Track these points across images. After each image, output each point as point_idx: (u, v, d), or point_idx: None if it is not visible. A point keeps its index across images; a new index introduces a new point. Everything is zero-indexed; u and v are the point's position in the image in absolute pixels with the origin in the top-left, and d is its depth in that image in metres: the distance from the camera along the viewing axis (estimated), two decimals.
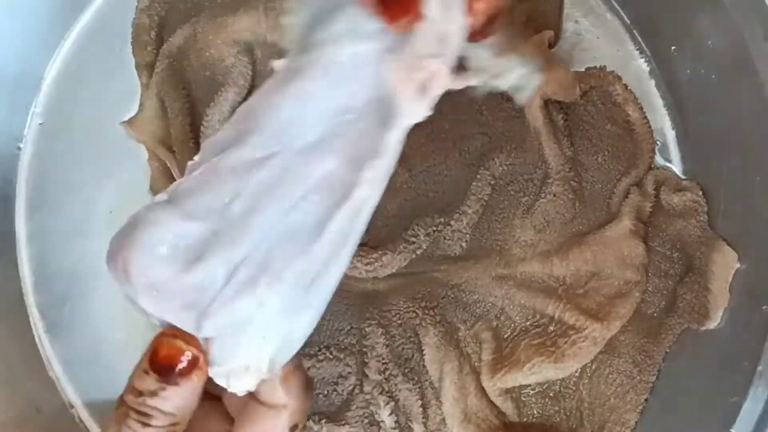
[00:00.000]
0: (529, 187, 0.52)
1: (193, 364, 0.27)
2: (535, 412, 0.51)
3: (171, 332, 0.27)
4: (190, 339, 0.27)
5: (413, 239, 0.51)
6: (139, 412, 0.27)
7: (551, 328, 0.50)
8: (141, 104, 0.54)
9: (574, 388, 0.51)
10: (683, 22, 0.50)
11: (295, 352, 0.30)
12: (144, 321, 0.29)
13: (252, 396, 0.30)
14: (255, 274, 0.28)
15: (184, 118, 0.52)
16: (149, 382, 0.27)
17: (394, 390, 0.50)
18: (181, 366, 0.27)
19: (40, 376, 0.53)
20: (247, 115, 0.30)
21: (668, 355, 0.51)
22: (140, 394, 0.27)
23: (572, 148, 0.52)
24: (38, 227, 0.55)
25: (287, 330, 0.29)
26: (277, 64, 0.31)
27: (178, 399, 0.27)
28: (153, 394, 0.27)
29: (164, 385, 0.27)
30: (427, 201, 0.52)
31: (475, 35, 0.29)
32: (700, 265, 0.50)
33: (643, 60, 0.54)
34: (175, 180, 0.53)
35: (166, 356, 0.27)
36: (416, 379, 0.50)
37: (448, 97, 0.52)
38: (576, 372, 0.51)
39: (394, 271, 0.51)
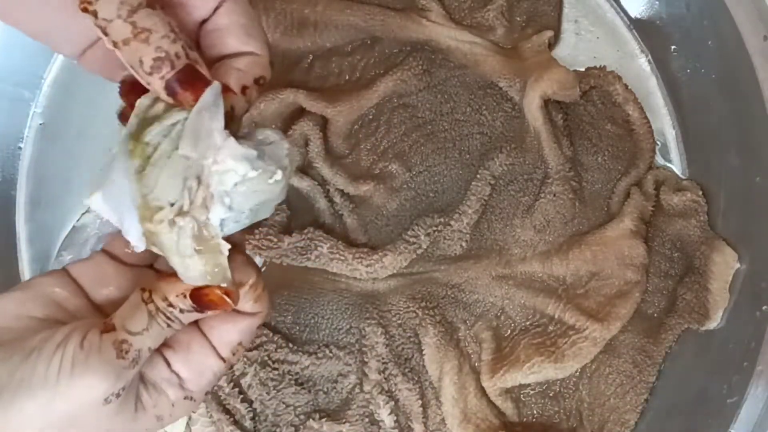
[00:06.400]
0: (529, 187, 0.52)
1: (223, 308, 0.32)
2: (535, 412, 0.51)
3: (223, 290, 0.31)
4: (233, 295, 0.32)
5: (413, 239, 0.51)
6: (168, 318, 0.32)
7: (551, 328, 0.50)
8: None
9: (573, 388, 0.51)
10: (683, 22, 0.50)
11: None
12: None
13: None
14: None
15: None
16: (183, 303, 0.32)
17: (393, 390, 0.50)
18: (217, 308, 0.32)
19: None
20: None
21: (668, 355, 0.51)
22: (171, 305, 0.32)
23: (572, 148, 0.52)
24: (38, 227, 0.55)
25: None
26: None
27: (196, 317, 0.33)
28: (182, 311, 0.32)
29: (193, 311, 0.32)
30: (427, 201, 0.52)
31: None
32: (700, 265, 0.50)
33: (643, 60, 0.54)
34: None
35: (211, 301, 0.31)
36: (416, 378, 0.50)
37: (448, 96, 0.53)
38: (576, 372, 0.51)
39: (394, 271, 0.51)
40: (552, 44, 0.54)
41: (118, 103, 0.54)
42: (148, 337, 0.31)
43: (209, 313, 0.32)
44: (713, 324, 0.49)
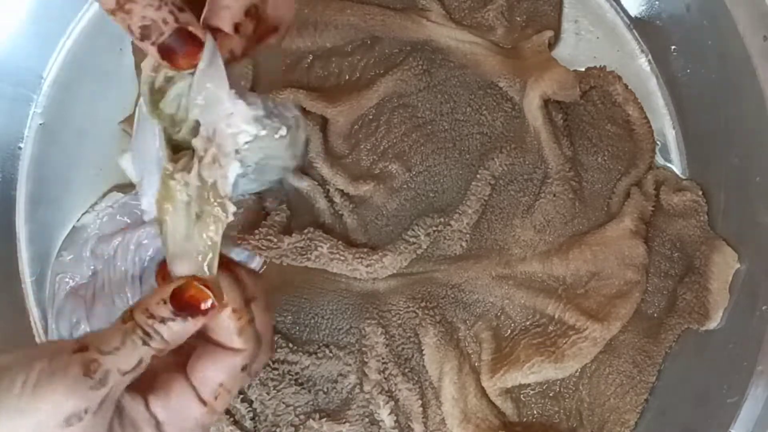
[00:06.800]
0: (529, 187, 0.52)
1: (207, 312, 0.31)
2: (535, 412, 0.51)
3: (200, 280, 0.31)
4: (215, 290, 0.31)
5: (413, 239, 0.51)
6: (144, 331, 0.30)
7: (551, 328, 0.50)
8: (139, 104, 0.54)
9: (574, 388, 0.51)
10: (683, 22, 0.50)
11: None
12: None
13: (207, 338, 0.33)
14: None
15: None
16: (163, 311, 0.31)
17: (393, 390, 0.50)
18: (197, 309, 0.31)
19: None
20: None
21: (668, 355, 0.51)
22: (151, 316, 0.31)
23: (572, 148, 0.52)
24: (39, 227, 0.55)
25: None
26: None
27: (179, 331, 0.31)
28: (162, 321, 0.31)
29: (175, 318, 0.31)
30: (427, 201, 0.52)
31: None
32: (700, 265, 0.50)
33: (643, 60, 0.54)
34: None
35: (191, 297, 0.31)
36: (416, 379, 0.50)
37: (448, 96, 0.53)
38: (576, 372, 0.51)
39: (394, 271, 0.51)
40: (552, 44, 0.54)
41: (117, 103, 0.54)
42: (120, 357, 0.30)
43: (190, 321, 0.31)
44: (713, 324, 0.49)
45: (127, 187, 0.54)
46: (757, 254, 0.48)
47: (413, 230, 0.51)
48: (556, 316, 0.50)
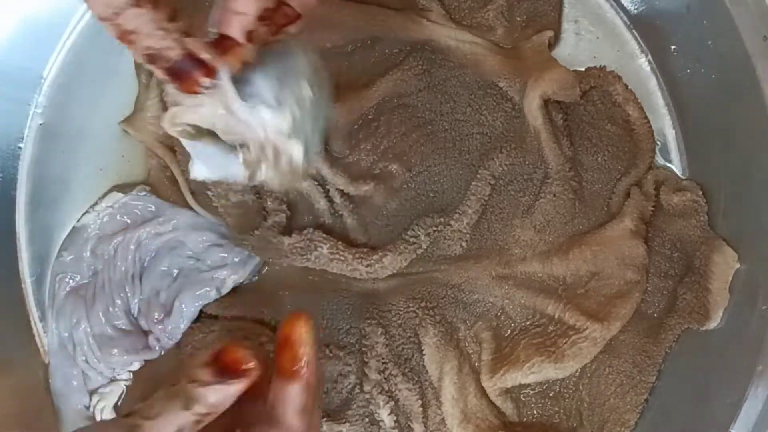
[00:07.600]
0: (529, 187, 0.52)
1: (248, 374, 0.31)
2: (535, 412, 0.51)
3: (245, 344, 0.31)
4: (257, 353, 0.31)
5: (413, 239, 0.51)
6: (187, 397, 0.30)
7: (551, 328, 0.50)
8: (138, 104, 0.54)
9: (573, 388, 0.51)
10: (683, 22, 0.50)
11: None
12: None
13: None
14: None
15: None
16: (205, 375, 0.31)
17: (393, 390, 0.50)
18: (238, 372, 0.31)
19: (40, 375, 0.53)
20: None
21: (668, 355, 0.51)
22: (192, 380, 0.31)
23: (572, 148, 0.52)
24: (39, 226, 0.55)
25: None
26: None
27: (220, 395, 0.31)
28: (204, 384, 0.31)
29: (216, 381, 0.31)
30: (427, 201, 0.52)
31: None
32: (700, 265, 0.50)
33: (643, 60, 0.54)
34: (174, 178, 0.53)
35: (231, 359, 0.31)
36: (416, 379, 0.50)
37: (448, 96, 0.53)
38: (576, 372, 0.51)
39: (394, 271, 0.51)
40: (552, 44, 0.54)
41: (117, 103, 0.54)
42: (161, 422, 0.30)
43: (231, 385, 0.31)
44: (713, 324, 0.49)
45: (127, 187, 0.54)
46: (757, 254, 0.48)
47: (413, 230, 0.51)
48: (556, 316, 0.50)
